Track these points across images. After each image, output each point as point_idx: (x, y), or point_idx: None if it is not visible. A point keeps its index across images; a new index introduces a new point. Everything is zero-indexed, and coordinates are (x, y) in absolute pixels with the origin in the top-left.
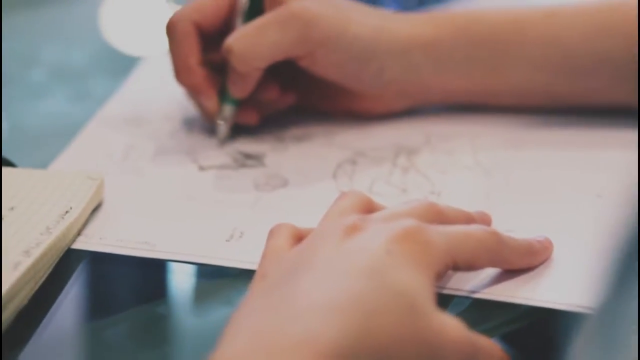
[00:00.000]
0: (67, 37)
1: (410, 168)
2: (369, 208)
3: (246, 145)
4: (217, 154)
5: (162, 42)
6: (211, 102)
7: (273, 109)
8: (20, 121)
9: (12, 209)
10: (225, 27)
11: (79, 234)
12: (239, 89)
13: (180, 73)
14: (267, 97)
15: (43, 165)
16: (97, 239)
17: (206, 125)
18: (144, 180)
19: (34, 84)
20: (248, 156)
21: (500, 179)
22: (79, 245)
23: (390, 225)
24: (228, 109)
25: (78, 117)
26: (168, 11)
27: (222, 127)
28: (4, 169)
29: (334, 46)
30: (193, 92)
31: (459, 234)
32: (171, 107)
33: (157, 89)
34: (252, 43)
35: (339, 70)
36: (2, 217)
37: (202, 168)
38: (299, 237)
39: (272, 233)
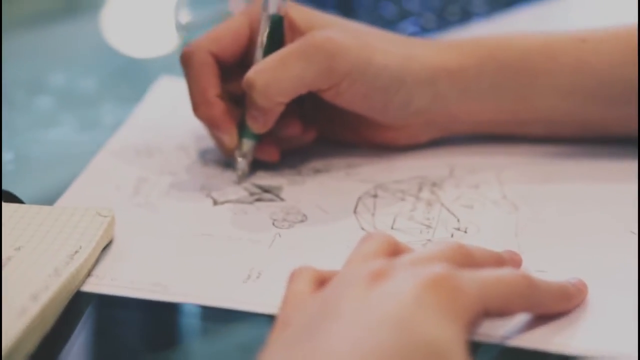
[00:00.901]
0: (73, 59)
1: (434, 202)
2: (395, 250)
3: (262, 177)
4: (232, 188)
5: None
6: (230, 137)
7: (294, 145)
8: (26, 152)
9: (18, 248)
10: (244, 57)
11: (88, 274)
12: (259, 125)
13: (199, 107)
14: (289, 133)
15: (50, 198)
16: (108, 280)
17: (220, 155)
18: (156, 216)
19: (40, 112)
20: (264, 189)
21: (529, 215)
22: (89, 287)
23: (419, 271)
24: (247, 144)
25: (87, 147)
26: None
27: (242, 163)
28: (10, 206)
29: (360, 77)
30: (211, 126)
31: (490, 279)
32: (184, 135)
33: (169, 115)
34: (275, 77)
35: (364, 102)
36: (9, 257)
37: (216, 202)
38: (321, 280)
39: (293, 277)
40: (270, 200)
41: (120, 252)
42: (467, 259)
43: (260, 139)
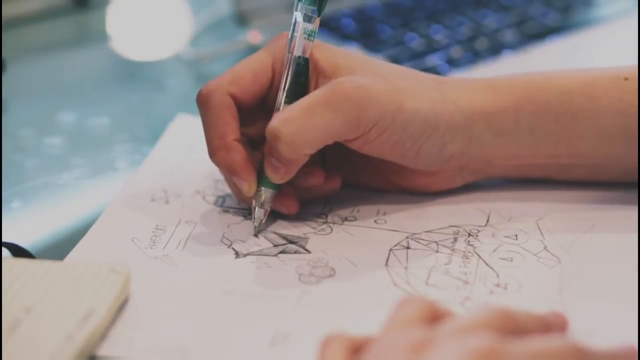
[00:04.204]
0: (83, 93)
1: (470, 255)
2: (434, 315)
3: (286, 227)
4: (254, 238)
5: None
6: (249, 185)
7: (316, 194)
8: (35, 198)
9: (29, 310)
10: (264, 98)
11: (103, 336)
12: (280, 175)
13: (216, 152)
14: (311, 182)
15: (61, 249)
16: (125, 343)
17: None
18: (174, 271)
19: (50, 155)
20: (289, 240)
21: (573, 268)
22: (104, 350)
23: (462, 344)
24: (266, 193)
25: (99, 193)
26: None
27: (259, 212)
28: (20, 261)
29: (390, 125)
30: (229, 172)
31: (539, 353)
32: (202, 179)
33: (186, 158)
34: (301, 128)
35: (394, 150)
36: (19, 320)
37: (239, 255)
38: (355, 348)
39: (324, 347)
40: (296, 252)
41: (136, 312)
42: (512, 326)
43: (279, 188)
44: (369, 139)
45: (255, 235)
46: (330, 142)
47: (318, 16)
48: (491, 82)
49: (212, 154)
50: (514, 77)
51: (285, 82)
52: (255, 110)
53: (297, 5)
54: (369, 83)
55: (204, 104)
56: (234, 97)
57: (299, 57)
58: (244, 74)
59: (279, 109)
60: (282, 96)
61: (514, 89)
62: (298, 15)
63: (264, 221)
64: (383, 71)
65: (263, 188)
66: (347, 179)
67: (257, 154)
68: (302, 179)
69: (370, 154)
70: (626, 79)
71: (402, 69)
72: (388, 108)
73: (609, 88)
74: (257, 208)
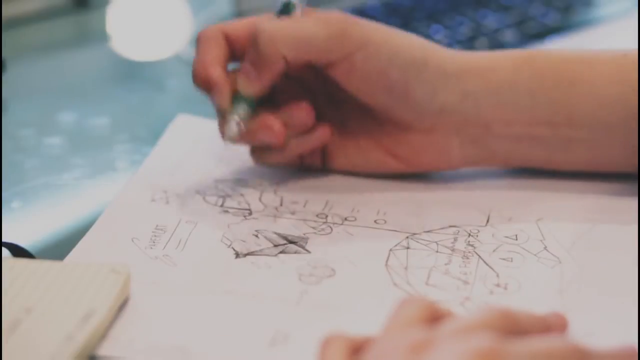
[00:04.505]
0: (83, 95)
1: (470, 255)
2: (435, 316)
3: (286, 226)
4: (254, 238)
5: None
6: (222, 96)
7: (306, 146)
8: (35, 198)
9: (29, 310)
10: None
11: (103, 336)
12: (252, 81)
13: (197, 71)
14: (297, 116)
15: (61, 249)
16: (125, 343)
17: (242, 202)
18: (174, 271)
19: (50, 155)
20: (289, 240)
21: (574, 268)
22: (104, 350)
23: (463, 344)
24: (241, 108)
25: (99, 193)
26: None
27: (233, 122)
28: (20, 261)
29: (376, 53)
30: (205, 87)
31: (539, 354)
32: (202, 179)
33: (185, 158)
34: (284, 28)
35: (380, 80)
36: (19, 320)
37: (238, 255)
38: (355, 349)
39: (324, 347)
40: (296, 252)
41: (137, 312)
42: (512, 327)
43: (254, 107)
44: (355, 63)
45: (226, 145)
46: (312, 53)
47: None
48: (487, 52)
49: (194, 75)
50: (511, 50)
51: None
52: None
53: None
54: (361, 19)
55: (197, 40)
56: (226, 34)
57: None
58: (239, 22)
59: None
60: None
61: (510, 56)
62: None
63: (237, 134)
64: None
65: (237, 104)
66: (347, 160)
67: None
68: (290, 111)
69: (356, 90)
70: (624, 55)
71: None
72: (376, 35)
73: (607, 60)
74: (231, 121)
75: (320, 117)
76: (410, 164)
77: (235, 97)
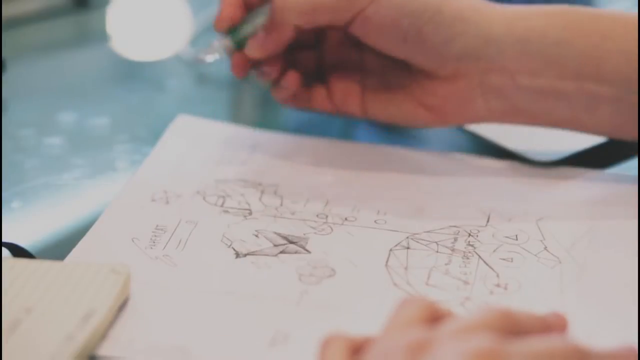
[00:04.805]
0: (83, 95)
1: (470, 255)
2: (435, 316)
3: (286, 226)
4: (254, 238)
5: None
6: (224, 17)
7: (284, 93)
8: (35, 198)
9: (29, 310)
10: None
11: (103, 336)
12: (257, 45)
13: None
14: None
15: (61, 249)
16: (125, 343)
17: (242, 202)
18: (174, 271)
19: (50, 155)
20: (289, 240)
21: (574, 268)
22: (104, 350)
23: (463, 344)
24: (229, 40)
25: (99, 193)
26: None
27: (218, 46)
28: (20, 261)
29: (387, 2)
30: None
31: (539, 354)
32: (202, 179)
33: (186, 158)
34: None
35: (393, 31)
36: (19, 320)
37: (238, 255)
38: (355, 349)
39: (324, 347)
40: (296, 252)
41: (137, 312)
42: (512, 327)
43: (239, 47)
44: (367, 17)
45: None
46: (324, 14)
47: None
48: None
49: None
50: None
51: None
52: None
53: None
54: None
55: None
56: None
57: None
58: None
59: None
60: None
61: (543, 7)
62: None
63: (214, 54)
64: None
65: (230, 36)
66: (383, 109)
67: None
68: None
69: (374, 43)
70: None
71: None
72: None
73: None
74: (218, 46)
75: (359, 68)
76: (438, 115)
77: (232, 30)
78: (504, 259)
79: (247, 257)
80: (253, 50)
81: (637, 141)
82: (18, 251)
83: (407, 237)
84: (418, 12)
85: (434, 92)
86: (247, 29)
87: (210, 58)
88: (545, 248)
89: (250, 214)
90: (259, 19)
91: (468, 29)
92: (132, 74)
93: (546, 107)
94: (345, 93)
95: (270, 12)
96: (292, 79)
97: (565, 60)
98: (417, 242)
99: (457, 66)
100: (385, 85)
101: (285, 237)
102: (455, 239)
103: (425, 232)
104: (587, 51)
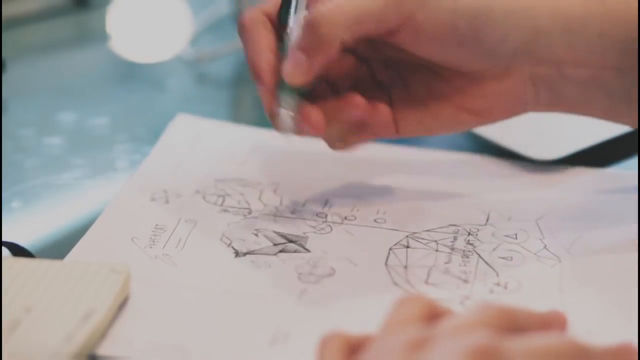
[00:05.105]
0: (83, 95)
1: (470, 254)
2: (433, 314)
3: (285, 225)
4: (254, 237)
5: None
6: (267, 85)
7: (370, 134)
8: (35, 199)
9: (29, 309)
10: None
11: (103, 336)
12: (304, 70)
13: (249, 63)
14: (351, 112)
15: (61, 249)
16: (125, 342)
17: (241, 201)
18: (174, 270)
19: (50, 155)
20: (288, 239)
21: (574, 267)
22: (104, 350)
23: (460, 341)
24: (289, 98)
25: (99, 193)
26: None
27: (284, 114)
28: (20, 260)
29: (437, 5)
30: (254, 75)
31: (538, 349)
32: (202, 178)
33: (185, 157)
34: (340, 6)
35: (449, 35)
36: (19, 320)
37: (238, 254)
38: (354, 347)
39: (322, 346)
40: (295, 251)
41: (136, 311)
42: (511, 324)
43: (304, 96)
44: (418, 24)
45: (280, 135)
46: (371, 26)
47: None
48: None
49: (249, 68)
50: None
51: None
52: None
53: None
54: None
55: (240, 26)
56: (269, 15)
57: None
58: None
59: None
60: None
61: None
62: None
63: (291, 127)
64: None
65: (283, 94)
66: (418, 124)
67: None
68: (342, 109)
69: (426, 53)
70: None
71: None
72: None
73: None
74: (282, 110)
75: (379, 86)
76: (485, 116)
77: (284, 86)
78: (503, 258)
79: (247, 256)
80: (296, 77)
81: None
82: (18, 250)
83: (407, 236)
84: (472, 11)
85: (481, 94)
86: None
87: (286, 130)
88: (545, 247)
89: (250, 213)
90: None
91: (520, 23)
92: (132, 74)
93: (587, 97)
94: (372, 116)
95: (307, 28)
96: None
97: (607, 50)
98: (417, 241)
99: (510, 63)
100: (414, 99)
101: (284, 236)
102: (455, 238)
103: (424, 231)
104: (626, 42)
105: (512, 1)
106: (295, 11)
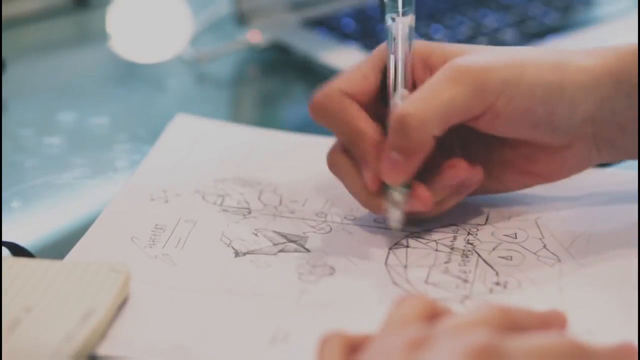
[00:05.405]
0: (83, 95)
1: (470, 253)
2: (433, 313)
3: (285, 225)
4: (253, 237)
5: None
6: (373, 178)
7: (463, 195)
8: (35, 198)
9: (29, 309)
10: (374, 104)
11: (103, 336)
12: (400, 171)
13: (354, 141)
14: (455, 175)
15: (61, 248)
16: (125, 342)
17: (241, 201)
18: (174, 270)
19: (50, 155)
20: (288, 239)
21: (573, 267)
22: (103, 349)
23: (460, 341)
24: (398, 193)
25: (99, 193)
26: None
27: (394, 211)
28: (19, 260)
29: (514, 92)
30: (361, 159)
31: (537, 349)
32: (202, 178)
33: (185, 157)
34: (428, 105)
35: (526, 118)
36: (19, 319)
37: (238, 254)
38: (354, 347)
39: (322, 346)
40: (295, 250)
41: (136, 311)
42: (510, 324)
43: (409, 186)
44: (498, 111)
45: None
46: (458, 118)
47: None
48: (612, 47)
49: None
50: (629, 43)
51: (396, 77)
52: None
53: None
54: (484, 57)
55: (318, 111)
56: (348, 95)
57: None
58: (352, 74)
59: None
60: (396, 85)
61: (634, 50)
62: (388, 18)
63: (401, 221)
64: (496, 50)
65: (392, 191)
66: (480, 187)
67: None
68: (444, 174)
69: (501, 133)
70: None
71: (516, 47)
72: (510, 74)
73: None
74: (392, 209)
75: (443, 150)
76: (549, 178)
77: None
78: (503, 258)
79: (247, 255)
80: (394, 178)
81: None
82: (18, 250)
83: (407, 236)
84: (547, 95)
85: (547, 160)
86: None
87: (397, 225)
88: (545, 246)
89: (250, 212)
90: None
91: (587, 96)
92: (132, 74)
93: None
94: (473, 176)
95: (397, 129)
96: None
97: None
98: (417, 240)
99: (575, 134)
100: (476, 163)
101: (284, 236)
102: (455, 238)
103: (424, 230)
104: None
105: (580, 75)
106: (394, 90)
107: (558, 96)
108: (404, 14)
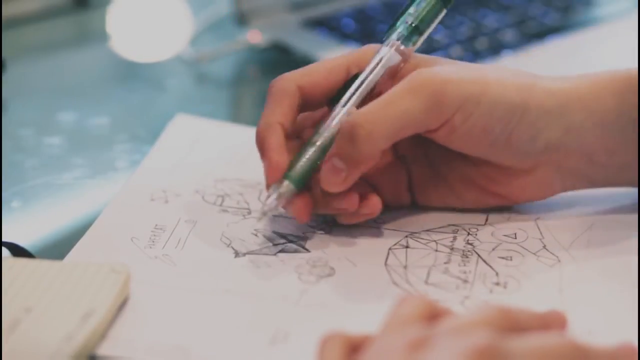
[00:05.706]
0: (83, 95)
1: (469, 254)
2: (433, 314)
3: (285, 225)
4: (253, 237)
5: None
6: (272, 170)
7: (350, 219)
8: (35, 198)
9: (29, 309)
10: (320, 101)
11: (103, 336)
12: (340, 180)
13: (258, 130)
14: (344, 206)
15: (61, 249)
16: (125, 343)
17: (240, 201)
18: (174, 270)
19: (50, 155)
20: (288, 239)
21: (573, 267)
22: (103, 350)
23: (460, 341)
24: (287, 189)
25: (99, 193)
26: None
27: (272, 199)
28: (19, 261)
29: (475, 110)
30: (260, 151)
31: (537, 350)
32: (201, 178)
33: (185, 157)
34: (381, 117)
35: (484, 137)
36: (19, 320)
37: (237, 254)
38: (354, 347)
39: (322, 346)
40: (295, 251)
41: (136, 311)
42: (511, 324)
43: (301, 187)
44: (455, 126)
45: (257, 220)
46: (411, 130)
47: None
48: (585, 73)
49: (255, 134)
50: (609, 70)
51: (354, 93)
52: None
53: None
54: (448, 70)
55: (269, 89)
56: (302, 89)
57: None
58: (317, 68)
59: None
60: (349, 101)
61: (611, 77)
62: (387, 39)
63: (268, 215)
64: (465, 65)
65: (286, 181)
66: (439, 199)
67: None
68: (336, 201)
69: (458, 148)
70: None
71: (488, 65)
72: (471, 90)
73: None
74: (270, 197)
75: (404, 159)
76: (510, 200)
77: (287, 175)
78: (503, 258)
79: (246, 256)
80: (333, 186)
81: None
82: (18, 251)
83: (406, 236)
84: (507, 115)
85: (509, 182)
86: (305, 166)
87: (265, 212)
88: (545, 247)
89: (249, 213)
90: (315, 154)
91: (551, 121)
92: (132, 74)
93: (619, 178)
94: (362, 208)
95: (346, 138)
96: (374, 204)
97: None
98: (416, 241)
99: (538, 159)
100: (436, 177)
101: (284, 236)
102: (454, 238)
103: (424, 231)
104: None
105: (546, 99)
106: (345, 104)
107: (519, 118)
108: (400, 45)
